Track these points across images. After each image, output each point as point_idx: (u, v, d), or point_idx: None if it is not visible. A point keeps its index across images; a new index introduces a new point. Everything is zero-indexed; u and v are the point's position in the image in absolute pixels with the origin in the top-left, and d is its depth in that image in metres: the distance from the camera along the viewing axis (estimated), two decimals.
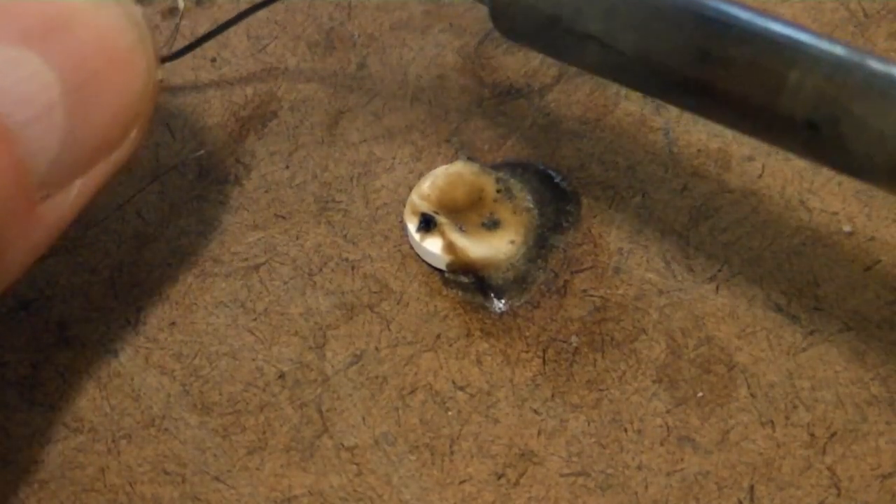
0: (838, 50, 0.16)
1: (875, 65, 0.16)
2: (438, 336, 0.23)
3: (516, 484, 0.21)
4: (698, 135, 0.25)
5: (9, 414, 0.22)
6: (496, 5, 0.21)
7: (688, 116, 0.25)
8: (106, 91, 0.16)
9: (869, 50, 0.17)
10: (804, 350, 0.21)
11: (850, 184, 0.23)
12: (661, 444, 0.21)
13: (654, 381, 0.21)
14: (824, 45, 0.17)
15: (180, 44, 0.26)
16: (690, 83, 0.18)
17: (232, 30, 0.28)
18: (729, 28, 0.17)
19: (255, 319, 0.23)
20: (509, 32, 0.21)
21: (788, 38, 0.17)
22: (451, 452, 0.21)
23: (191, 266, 0.24)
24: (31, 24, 0.15)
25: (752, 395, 0.21)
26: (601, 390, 0.21)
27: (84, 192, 0.16)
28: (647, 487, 0.20)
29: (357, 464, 0.21)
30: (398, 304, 0.23)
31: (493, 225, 0.23)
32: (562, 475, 0.21)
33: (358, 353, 0.22)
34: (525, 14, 0.20)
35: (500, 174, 0.24)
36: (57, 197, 0.16)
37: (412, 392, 0.22)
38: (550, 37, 0.20)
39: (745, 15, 0.18)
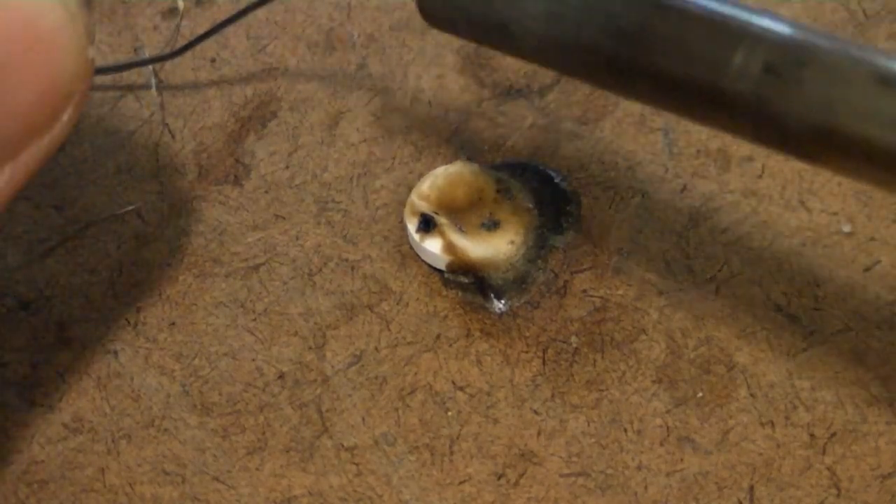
0: (784, 28, 0.16)
1: (820, 41, 0.16)
2: (438, 336, 0.23)
3: (516, 484, 0.21)
4: (698, 135, 0.25)
5: (9, 414, 0.22)
6: None
7: None
8: (27, 73, 0.15)
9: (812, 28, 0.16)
10: (804, 350, 0.21)
11: (849, 184, 0.23)
12: (661, 445, 0.21)
13: (653, 382, 0.21)
14: (768, 23, 0.16)
15: (180, 44, 0.26)
16: (622, 63, 0.17)
17: (232, 30, 0.28)
18: (669, 7, 0.17)
19: (254, 320, 0.23)
20: (432, 18, 0.21)
21: (732, 16, 0.16)
22: (451, 453, 0.21)
23: (191, 266, 0.24)
24: None
25: (752, 396, 0.21)
26: (601, 390, 0.21)
27: (15, 177, 0.16)
28: (646, 488, 0.20)
29: (357, 464, 0.21)
30: (398, 304, 0.23)
31: (492, 225, 0.23)
32: (561, 475, 0.21)
33: (358, 353, 0.22)
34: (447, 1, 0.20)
35: (500, 174, 0.24)
36: None
37: (412, 392, 0.22)
38: (474, 22, 0.20)
39: None
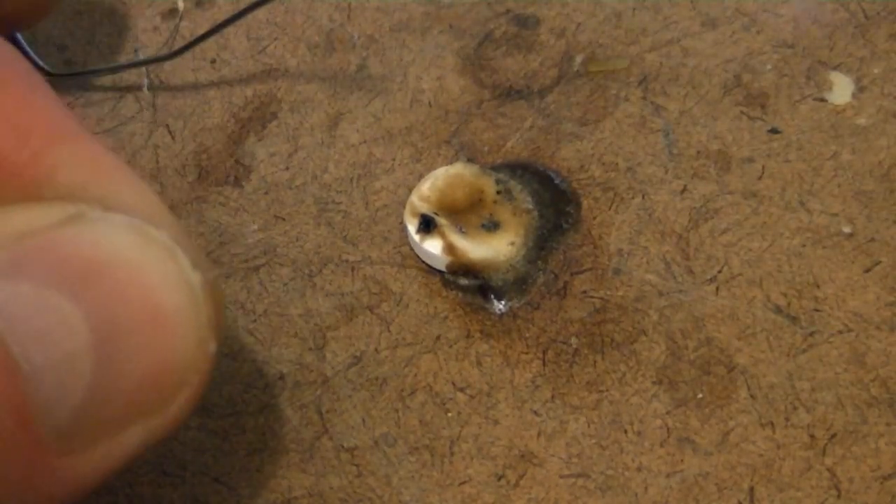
0: None
1: None
2: (438, 337, 0.23)
3: (516, 485, 0.21)
4: (698, 136, 0.25)
5: None
6: None
7: (688, 117, 0.25)
8: (143, 349, 0.14)
9: None
10: (804, 351, 0.21)
11: (850, 185, 0.23)
12: (661, 446, 0.21)
13: (654, 383, 0.21)
14: None
15: (180, 45, 0.26)
16: None
17: (231, 31, 0.28)
18: None
19: (254, 321, 0.23)
20: None
21: None
22: (451, 454, 0.21)
23: None
24: (68, 267, 0.14)
25: (752, 397, 0.21)
26: (601, 391, 0.21)
27: (112, 455, 0.15)
28: (646, 489, 0.20)
29: (357, 465, 0.21)
30: (398, 305, 0.23)
31: (492, 226, 0.23)
32: (562, 476, 0.21)
33: (358, 354, 0.22)
34: None
35: (500, 175, 0.24)
36: (79, 455, 0.15)
37: (412, 393, 0.22)
38: None
39: None
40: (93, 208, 0.15)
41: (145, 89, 0.27)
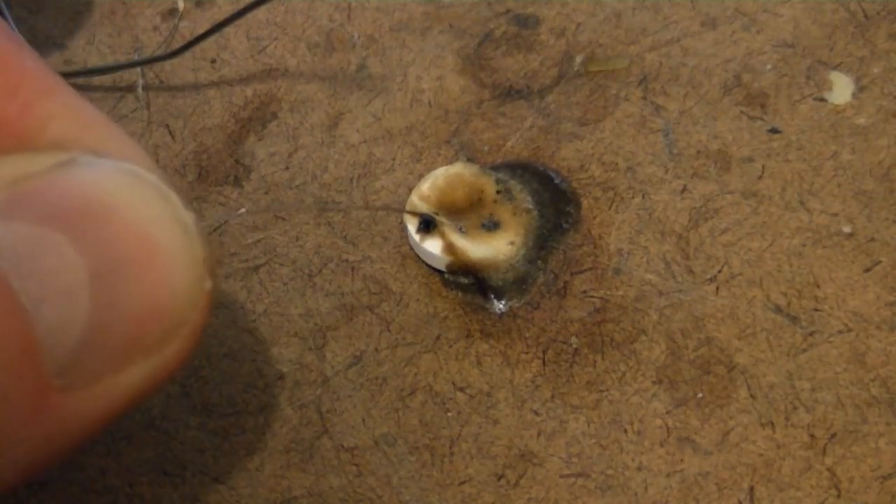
0: None
1: None
2: (438, 337, 0.23)
3: (516, 485, 0.21)
4: (698, 136, 0.25)
5: None
6: None
7: (688, 117, 0.25)
8: (140, 283, 0.15)
9: None
10: (804, 351, 0.21)
11: (850, 185, 0.23)
12: (661, 445, 0.21)
13: (653, 382, 0.21)
14: None
15: (180, 45, 0.26)
16: None
17: (232, 31, 0.28)
18: None
19: (254, 320, 0.23)
20: None
21: None
22: (451, 453, 0.21)
23: None
24: (63, 207, 0.14)
25: (752, 397, 0.21)
26: (601, 391, 0.21)
27: (113, 395, 0.15)
28: (646, 488, 0.20)
29: (357, 465, 0.21)
30: (398, 305, 0.23)
31: (492, 226, 0.23)
32: (561, 476, 0.21)
33: (358, 354, 0.22)
34: None
35: (500, 175, 0.24)
36: (79, 391, 0.15)
37: (412, 393, 0.22)
38: None
39: None
40: (85, 154, 0.15)
41: (140, 90, 0.27)
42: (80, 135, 0.15)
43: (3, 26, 0.16)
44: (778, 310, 0.22)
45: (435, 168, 0.25)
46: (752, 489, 0.20)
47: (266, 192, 0.25)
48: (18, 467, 0.15)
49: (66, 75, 0.28)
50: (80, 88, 0.28)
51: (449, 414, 0.22)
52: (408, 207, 0.24)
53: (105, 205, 0.15)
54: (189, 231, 0.15)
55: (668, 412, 0.21)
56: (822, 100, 0.25)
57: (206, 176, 0.26)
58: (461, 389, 0.22)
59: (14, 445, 0.14)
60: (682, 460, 0.20)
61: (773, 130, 0.25)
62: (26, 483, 0.21)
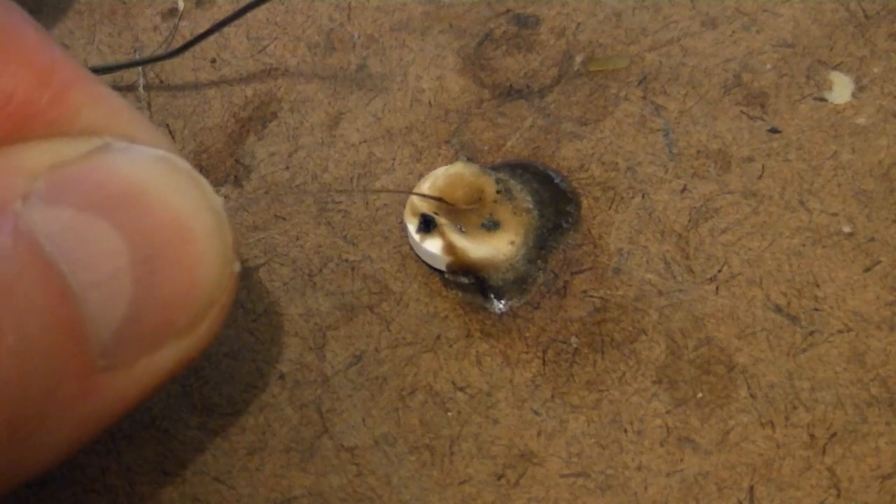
0: None
1: None
2: (438, 337, 0.23)
3: (516, 485, 0.21)
4: (698, 135, 0.25)
5: None
6: None
7: (688, 117, 0.25)
8: (176, 268, 0.15)
9: None
10: (804, 351, 0.21)
11: (849, 185, 0.23)
12: (661, 445, 0.21)
13: (653, 382, 0.21)
14: None
15: (180, 44, 0.26)
16: None
17: (232, 31, 0.28)
18: None
19: (254, 320, 0.23)
20: None
21: None
22: (451, 453, 0.21)
23: None
24: (104, 193, 0.15)
25: (752, 396, 0.21)
26: (601, 391, 0.21)
27: (149, 373, 0.16)
28: (646, 488, 0.20)
29: (357, 464, 0.21)
30: (398, 304, 0.23)
31: (492, 226, 0.23)
32: (561, 476, 0.21)
33: (358, 353, 0.22)
34: None
35: (500, 175, 0.24)
36: (120, 372, 0.15)
37: (412, 393, 0.22)
38: None
39: None
40: (118, 141, 0.16)
41: (140, 89, 0.27)
42: (110, 122, 0.16)
43: (30, 19, 0.16)
44: (778, 309, 0.22)
45: (435, 168, 0.25)
46: (751, 489, 0.20)
47: (266, 192, 0.25)
48: (66, 445, 0.15)
49: None
50: None
51: (449, 414, 0.22)
52: (408, 207, 0.24)
53: (143, 191, 0.15)
54: (220, 216, 0.16)
55: (667, 412, 0.21)
56: (822, 99, 0.25)
57: (206, 175, 0.25)
58: (461, 389, 0.22)
59: (63, 424, 0.15)
60: (681, 460, 0.20)
61: (773, 130, 0.25)
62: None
